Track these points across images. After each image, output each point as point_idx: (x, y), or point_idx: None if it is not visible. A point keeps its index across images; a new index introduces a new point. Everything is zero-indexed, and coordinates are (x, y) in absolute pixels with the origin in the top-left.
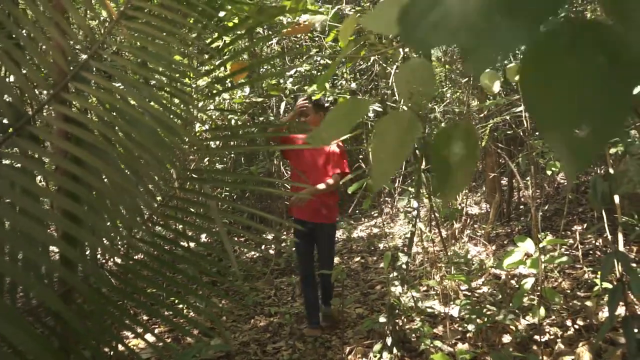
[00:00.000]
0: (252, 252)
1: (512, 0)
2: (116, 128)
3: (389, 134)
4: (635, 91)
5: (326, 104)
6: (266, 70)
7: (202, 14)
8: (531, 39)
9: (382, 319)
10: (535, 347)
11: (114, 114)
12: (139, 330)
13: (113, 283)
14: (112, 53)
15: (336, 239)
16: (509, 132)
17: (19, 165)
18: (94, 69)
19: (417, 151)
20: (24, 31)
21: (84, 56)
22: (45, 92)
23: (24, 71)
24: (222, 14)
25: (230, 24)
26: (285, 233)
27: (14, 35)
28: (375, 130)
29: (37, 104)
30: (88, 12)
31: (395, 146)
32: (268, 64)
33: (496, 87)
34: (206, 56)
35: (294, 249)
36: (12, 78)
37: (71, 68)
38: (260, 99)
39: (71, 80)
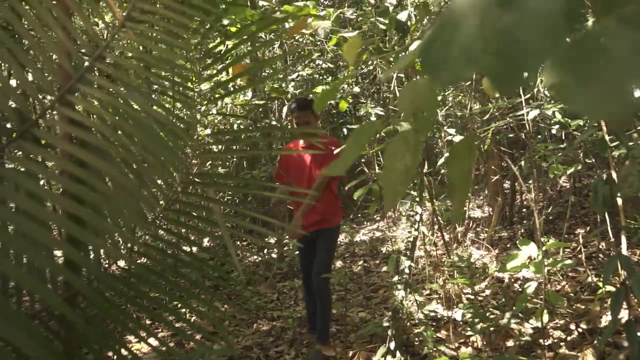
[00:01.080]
0: (255, 257)
1: (528, 18)
2: (119, 132)
3: (398, 157)
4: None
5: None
6: (268, 73)
7: (205, 18)
8: (556, 53)
9: (385, 323)
10: (539, 351)
11: (118, 117)
12: (142, 334)
13: (117, 287)
14: (117, 56)
15: (338, 243)
16: (511, 135)
17: (23, 168)
18: (99, 72)
19: None
20: (31, 32)
21: (89, 59)
22: (49, 95)
23: (30, 74)
24: (225, 21)
25: (234, 29)
26: (287, 237)
27: (17, 35)
28: (386, 154)
29: (42, 107)
30: (93, 14)
31: (404, 168)
32: (270, 67)
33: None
34: (209, 61)
35: (297, 252)
36: (15, 81)
37: (76, 71)
38: (262, 102)
39: (76, 83)
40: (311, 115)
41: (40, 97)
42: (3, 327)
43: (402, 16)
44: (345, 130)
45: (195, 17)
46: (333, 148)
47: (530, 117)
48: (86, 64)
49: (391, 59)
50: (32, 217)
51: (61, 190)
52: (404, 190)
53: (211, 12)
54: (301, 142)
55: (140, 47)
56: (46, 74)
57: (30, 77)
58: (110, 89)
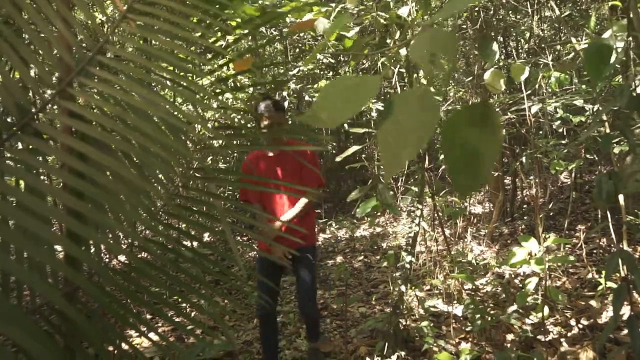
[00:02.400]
0: (254, 252)
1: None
2: (120, 125)
3: (406, 113)
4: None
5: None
6: (269, 69)
7: (209, 7)
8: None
9: (385, 318)
10: (539, 347)
11: (119, 110)
12: (143, 328)
13: (117, 281)
14: (118, 48)
15: (317, 263)
16: (512, 131)
17: (24, 162)
18: (101, 65)
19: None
20: (32, 26)
21: (90, 52)
22: (49, 89)
23: (31, 67)
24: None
25: (234, 23)
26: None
27: (17, 29)
28: (389, 108)
29: (42, 100)
30: (94, 8)
31: (413, 127)
32: (271, 63)
33: (500, 86)
34: (209, 55)
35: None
36: (16, 74)
37: (77, 64)
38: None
39: (77, 76)
40: (284, 118)
41: (41, 90)
42: (3, 323)
43: (403, 11)
44: (345, 125)
45: (197, 8)
46: (308, 154)
47: (532, 111)
48: (87, 56)
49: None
50: (33, 212)
51: (61, 184)
52: (411, 155)
53: (213, 6)
54: (269, 152)
55: (142, 40)
56: (47, 67)
57: (31, 71)
58: (112, 82)
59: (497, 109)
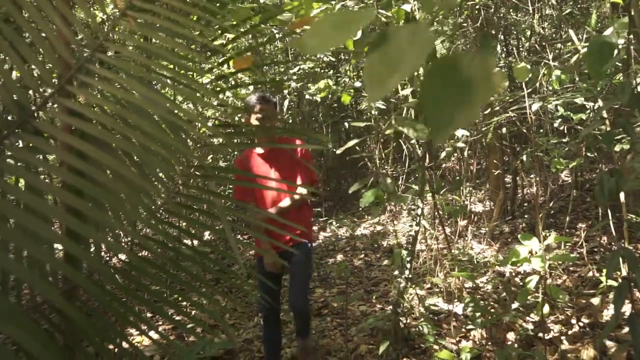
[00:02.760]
0: (254, 250)
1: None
2: (120, 123)
3: (398, 43)
4: None
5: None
6: (269, 67)
7: (206, 10)
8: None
9: (386, 317)
10: (540, 345)
11: (119, 108)
12: (143, 327)
13: (117, 280)
14: (118, 45)
15: (313, 262)
16: (513, 129)
17: (23, 160)
18: (100, 62)
19: (419, 148)
20: (31, 24)
21: (90, 49)
22: (49, 87)
23: (30, 65)
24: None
25: (234, 21)
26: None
27: (17, 27)
28: (381, 39)
29: (42, 98)
30: (94, 6)
31: (402, 56)
32: (271, 61)
33: (503, 85)
34: (209, 53)
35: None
36: (15, 73)
37: (75, 61)
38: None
39: (77, 74)
40: (274, 111)
41: (41, 89)
42: (2, 322)
43: (406, 7)
44: (346, 124)
45: (197, 6)
46: (300, 150)
47: (533, 108)
48: (86, 54)
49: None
50: (33, 210)
51: (61, 182)
52: (394, 84)
53: (213, 4)
54: (258, 149)
55: (142, 38)
56: (46, 65)
57: (30, 69)
58: (112, 80)
59: (498, 107)
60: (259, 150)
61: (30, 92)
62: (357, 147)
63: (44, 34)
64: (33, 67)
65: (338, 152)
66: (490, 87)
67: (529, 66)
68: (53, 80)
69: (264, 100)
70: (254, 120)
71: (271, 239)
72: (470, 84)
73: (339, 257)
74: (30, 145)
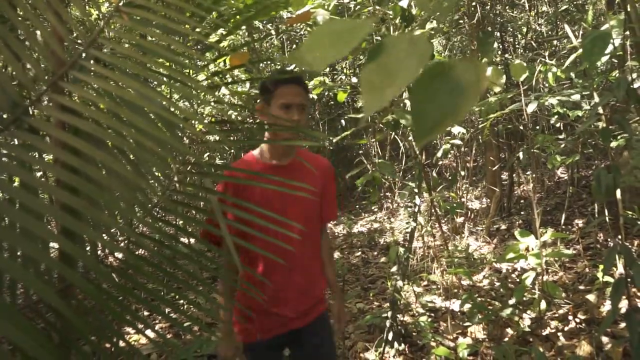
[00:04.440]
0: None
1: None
2: (115, 120)
3: (396, 54)
4: (637, 84)
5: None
6: (266, 65)
7: (200, 6)
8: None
9: (383, 314)
10: (537, 341)
11: (113, 105)
12: (140, 326)
13: (114, 278)
14: (112, 41)
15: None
16: (509, 126)
17: (17, 158)
18: (94, 57)
19: (416, 145)
20: (25, 21)
21: (83, 44)
22: (43, 83)
23: (22, 61)
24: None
25: (227, 13)
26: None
27: (9, 23)
28: (378, 50)
29: (35, 94)
30: (89, 4)
31: (400, 68)
32: (267, 58)
33: (500, 82)
34: (204, 49)
35: None
36: (9, 68)
37: (69, 58)
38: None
39: (69, 69)
40: (307, 102)
41: (35, 86)
42: None
43: (403, 4)
44: (343, 121)
45: (190, 0)
46: (324, 166)
47: (529, 110)
48: (80, 47)
49: None
50: (27, 208)
51: (55, 180)
52: (391, 95)
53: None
54: (269, 158)
55: (137, 34)
56: (39, 62)
57: (23, 66)
58: (105, 76)
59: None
60: (269, 158)
61: (24, 88)
62: (354, 143)
63: (37, 31)
64: (27, 64)
65: (335, 140)
66: (478, 93)
67: (524, 63)
68: (47, 77)
69: (298, 83)
70: (277, 111)
71: (270, 310)
72: (460, 90)
73: (336, 254)
74: (25, 142)
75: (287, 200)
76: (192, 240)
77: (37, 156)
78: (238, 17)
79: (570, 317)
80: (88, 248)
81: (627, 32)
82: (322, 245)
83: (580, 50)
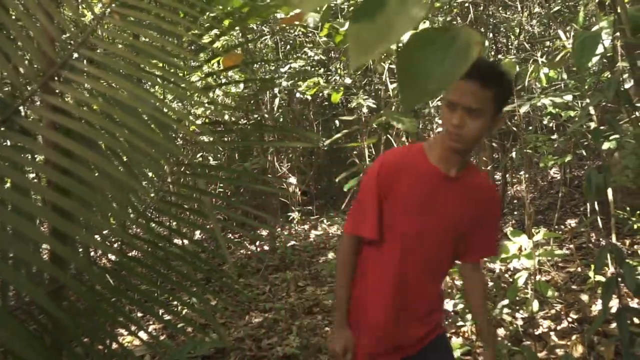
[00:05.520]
0: (244, 250)
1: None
2: (107, 120)
3: (387, 12)
4: (627, 85)
5: None
6: (260, 66)
7: (193, 7)
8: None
9: None
10: (529, 341)
11: (105, 105)
12: (133, 327)
13: (106, 280)
14: (104, 42)
15: None
16: (502, 127)
17: (8, 159)
18: (86, 58)
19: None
20: (16, 20)
21: (74, 44)
22: (34, 83)
23: (13, 61)
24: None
25: (219, 12)
26: (279, 229)
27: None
28: (369, 5)
29: (26, 95)
30: (82, 5)
31: (390, 25)
32: (261, 59)
33: None
34: (197, 50)
35: None
36: None
37: (59, 59)
38: (253, 92)
39: (60, 69)
40: (487, 107)
41: (27, 86)
42: None
43: None
44: (337, 122)
45: (183, 1)
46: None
47: (522, 110)
48: (70, 50)
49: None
50: (18, 210)
51: (47, 181)
52: (378, 52)
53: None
54: (432, 154)
55: (130, 34)
56: (32, 63)
57: (14, 66)
58: (97, 76)
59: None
60: (437, 161)
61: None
62: (347, 146)
63: (29, 31)
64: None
65: (327, 142)
66: (469, 61)
67: (517, 66)
68: (38, 77)
69: (485, 80)
70: (443, 107)
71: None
72: (450, 57)
73: (330, 255)
74: (16, 143)
75: (434, 211)
76: (186, 242)
77: (28, 157)
78: (231, 18)
79: (563, 317)
80: (80, 249)
81: (618, 33)
82: (474, 283)
83: (569, 48)
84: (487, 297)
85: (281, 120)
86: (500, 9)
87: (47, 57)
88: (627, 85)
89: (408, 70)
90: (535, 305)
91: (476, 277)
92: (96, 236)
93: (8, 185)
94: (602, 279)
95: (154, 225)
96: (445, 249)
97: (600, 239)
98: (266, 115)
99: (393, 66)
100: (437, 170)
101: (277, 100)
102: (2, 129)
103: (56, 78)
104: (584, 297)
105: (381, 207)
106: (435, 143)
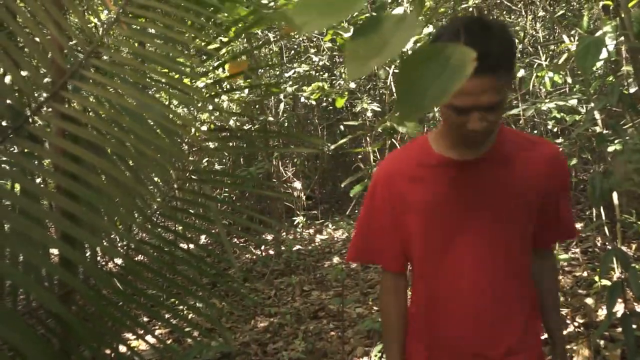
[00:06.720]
0: (250, 254)
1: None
2: (115, 128)
3: (383, 31)
4: (632, 90)
5: None
6: (264, 71)
7: (200, 15)
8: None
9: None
10: None
11: (113, 113)
12: (140, 331)
13: (114, 284)
14: (112, 51)
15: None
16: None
17: (18, 165)
18: (94, 67)
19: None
20: (25, 30)
21: (83, 54)
22: (44, 92)
23: (23, 70)
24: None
25: (225, 19)
26: (284, 234)
27: (11, 33)
28: (367, 25)
29: (36, 103)
30: (88, 12)
31: (386, 42)
32: (266, 65)
33: None
34: (203, 57)
35: None
36: (9, 77)
37: (69, 66)
38: (258, 98)
39: (70, 79)
40: (509, 79)
41: (36, 94)
42: None
43: (398, 12)
44: (342, 126)
45: (190, 11)
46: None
47: (527, 115)
48: (79, 59)
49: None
50: (28, 215)
51: (55, 186)
52: (374, 66)
53: (205, 9)
54: (441, 144)
55: (136, 43)
56: (40, 71)
57: (24, 74)
58: (105, 85)
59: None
60: (448, 147)
61: (25, 97)
62: (352, 150)
63: (37, 39)
64: (28, 72)
65: (332, 147)
66: (464, 76)
67: (522, 70)
68: (47, 85)
69: (493, 70)
70: (445, 110)
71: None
72: (447, 73)
73: (335, 259)
74: (26, 150)
75: (471, 205)
76: (192, 246)
77: (37, 163)
78: (237, 26)
79: (569, 321)
80: (88, 254)
81: (622, 38)
82: (543, 277)
83: (573, 51)
84: (559, 298)
85: (286, 125)
86: (504, 13)
87: (56, 65)
88: (631, 90)
89: (406, 85)
90: None
91: (546, 268)
92: (104, 241)
93: (17, 190)
94: (608, 283)
95: (160, 230)
96: (503, 241)
97: (607, 243)
98: (271, 119)
99: (397, 70)
100: (451, 160)
101: (281, 105)
102: (12, 135)
103: (66, 86)
104: (590, 302)
105: (401, 224)
106: (443, 132)
